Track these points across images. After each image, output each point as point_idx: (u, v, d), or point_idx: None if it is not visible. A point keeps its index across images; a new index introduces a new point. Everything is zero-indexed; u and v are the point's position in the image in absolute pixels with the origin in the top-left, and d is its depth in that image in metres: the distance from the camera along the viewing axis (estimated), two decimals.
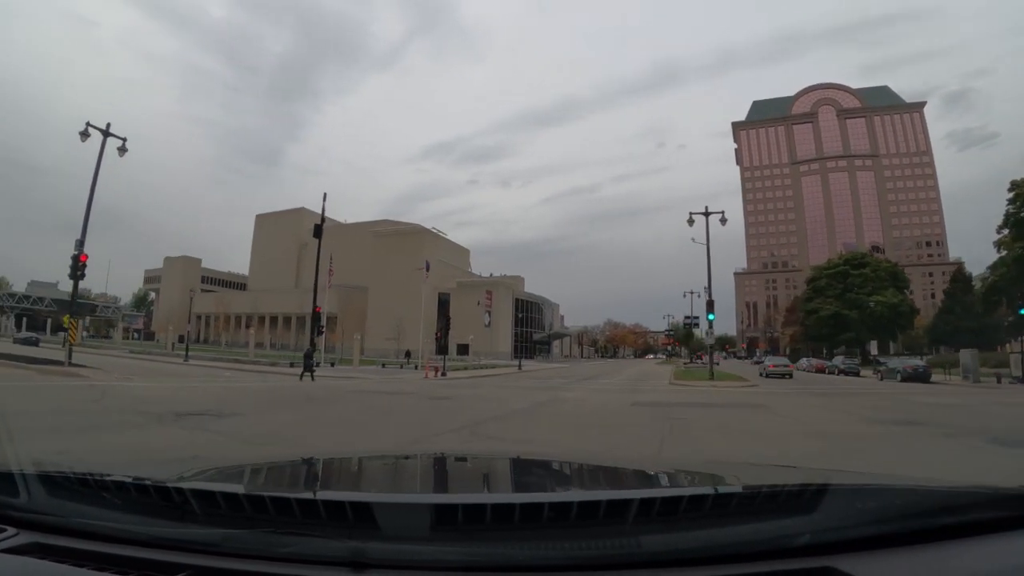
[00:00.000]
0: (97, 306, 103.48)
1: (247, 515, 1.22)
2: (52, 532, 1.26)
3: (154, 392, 15.76)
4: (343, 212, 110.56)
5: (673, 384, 27.11)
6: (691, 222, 31.96)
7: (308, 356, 28.45)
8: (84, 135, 22.61)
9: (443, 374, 34.39)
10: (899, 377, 33.30)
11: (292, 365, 38.66)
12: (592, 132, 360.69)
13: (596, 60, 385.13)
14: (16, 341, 50.58)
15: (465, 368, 44.88)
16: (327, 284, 36.69)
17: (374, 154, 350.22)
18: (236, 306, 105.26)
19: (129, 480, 1.41)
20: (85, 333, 79.58)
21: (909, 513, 1.23)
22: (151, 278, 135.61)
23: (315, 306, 34.39)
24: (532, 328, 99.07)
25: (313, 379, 25.75)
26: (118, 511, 1.32)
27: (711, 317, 30.28)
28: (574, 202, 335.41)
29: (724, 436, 9.72)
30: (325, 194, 36.31)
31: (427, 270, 46.14)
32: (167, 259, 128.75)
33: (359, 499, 1.29)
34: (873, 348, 50.07)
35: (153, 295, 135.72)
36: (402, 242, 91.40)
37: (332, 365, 43.22)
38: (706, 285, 31.95)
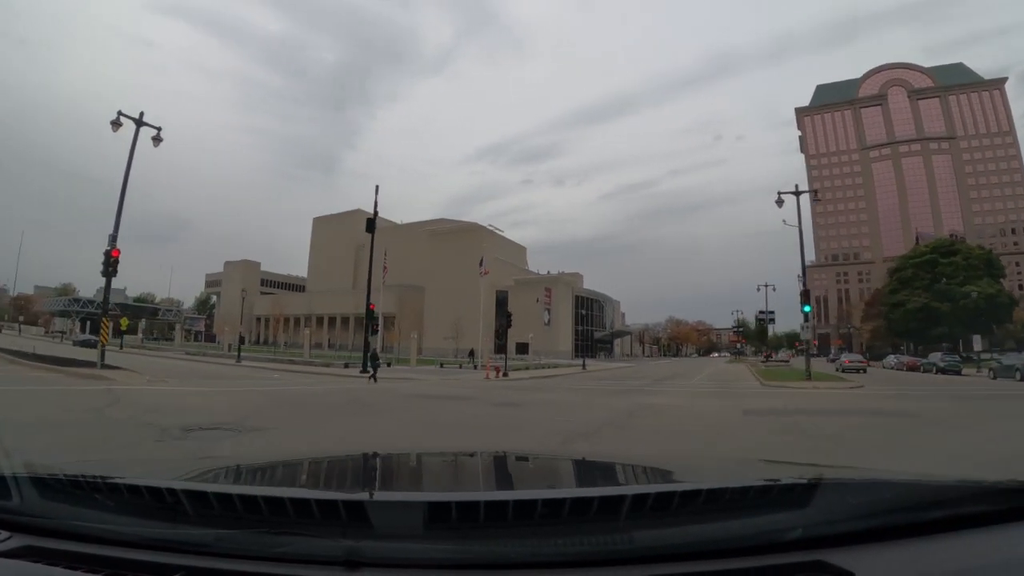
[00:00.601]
0: (159, 309, 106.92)
1: (240, 515, 1.21)
2: (45, 535, 1.26)
3: (178, 399, 13.76)
4: (398, 215, 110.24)
5: (766, 385, 24.15)
6: (780, 203, 28.82)
7: (374, 357, 27.11)
8: (116, 124, 21.07)
9: (504, 374, 32.24)
10: (1019, 376, 29.08)
11: (347, 366, 37.01)
12: (646, 127, 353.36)
13: (647, 53, 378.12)
14: (76, 344, 51.82)
15: (526, 368, 42.42)
16: (382, 282, 34.74)
17: (428, 158, 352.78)
18: (293, 307, 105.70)
19: (121, 482, 1.39)
20: (144, 336, 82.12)
21: (899, 507, 1.24)
22: (212, 282, 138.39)
23: (368, 303, 32.47)
24: (592, 326, 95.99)
25: (376, 380, 24.32)
26: (111, 513, 1.30)
27: (807, 309, 26.97)
28: (630, 198, 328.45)
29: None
30: (377, 186, 34.56)
31: (482, 265, 43.57)
32: (227, 263, 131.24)
33: (352, 498, 1.29)
34: (977, 343, 44.89)
35: (214, 298, 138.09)
36: (458, 240, 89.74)
37: (388, 365, 41.29)
38: (799, 274, 28.75)
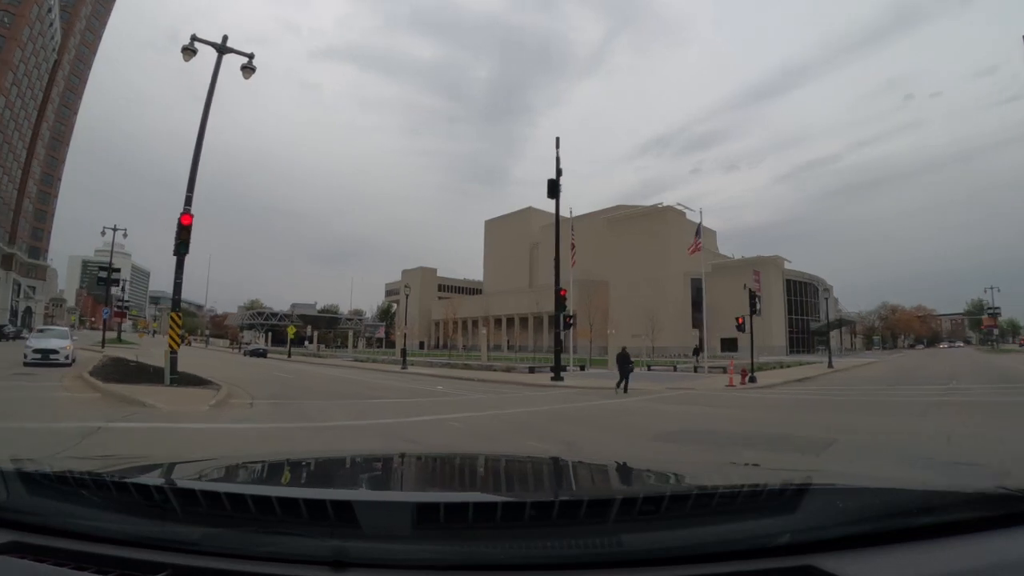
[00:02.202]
0: (340, 318, 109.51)
1: (228, 513, 1.21)
2: (32, 531, 1.25)
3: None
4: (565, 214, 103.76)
5: None
6: None
7: (624, 359, 19.31)
8: (189, 51, 15.12)
9: (751, 379, 23.99)
10: None
11: (532, 370, 29.59)
12: (821, 97, 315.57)
13: (815, 15, 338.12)
14: (247, 353, 52.58)
15: (770, 369, 32.43)
16: (571, 265, 26.77)
17: (591, 158, 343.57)
18: (469, 310, 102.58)
19: (110, 479, 1.38)
20: (325, 345, 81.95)
21: (888, 513, 1.23)
22: (391, 291, 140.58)
23: (558, 288, 24.50)
24: (806, 315, 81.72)
25: (626, 390, 18.31)
26: (99, 510, 1.30)
27: None
28: (810, 177, 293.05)
29: None
30: (558, 138, 26.22)
31: (698, 236, 34.24)
32: (405, 271, 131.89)
33: (340, 497, 1.27)
34: None
35: (394, 306, 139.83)
36: (642, 225, 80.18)
37: (582, 368, 33.20)
38: None
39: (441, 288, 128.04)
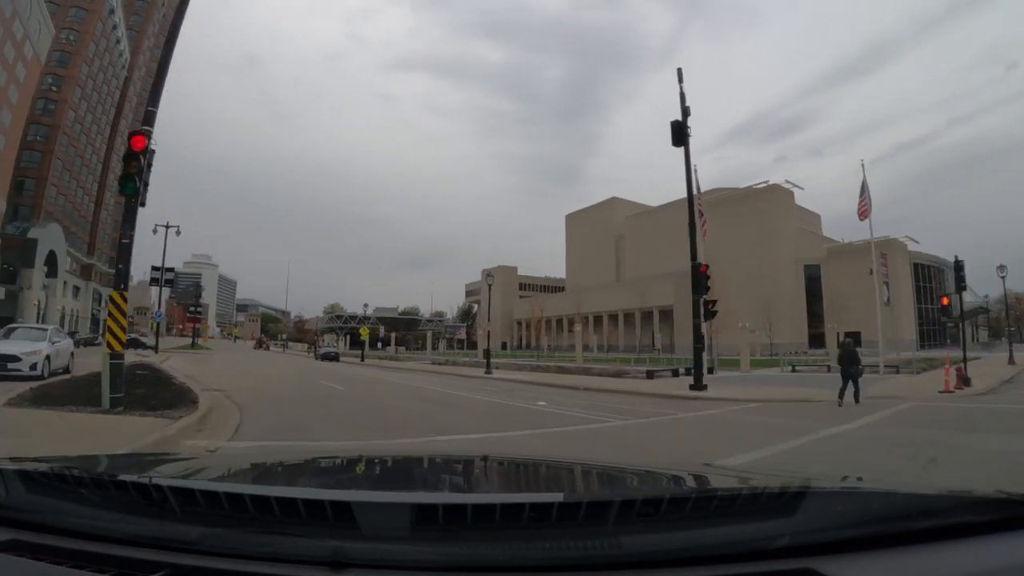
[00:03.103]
0: (421, 320, 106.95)
1: (227, 513, 1.20)
2: (30, 529, 1.24)
3: None
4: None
5: None
6: None
7: (852, 357, 13.73)
8: None
9: (966, 383, 17.86)
10: None
11: (651, 375, 23.24)
12: (913, 73, 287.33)
13: None
14: (319, 357, 49.22)
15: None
16: (701, 236, 20.11)
17: (669, 153, 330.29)
18: (554, 308, 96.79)
19: (108, 477, 1.38)
20: (404, 347, 79.56)
21: (888, 516, 1.22)
22: (471, 292, 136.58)
23: (696, 264, 18.01)
24: (933, 303, 71.11)
25: (857, 400, 13.34)
26: (97, 508, 1.29)
27: None
28: (903, 159, 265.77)
29: None
30: (680, 69, 19.72)
31: (863, 194, 26.98)
32: (484, 271, 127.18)
33: (339, 498, 1.24)
34: None
35: (475, 307, 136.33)
36: (746, 208, 71.33)
37: (711, 371, 26.47)
38: None
39: (522, 287, 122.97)
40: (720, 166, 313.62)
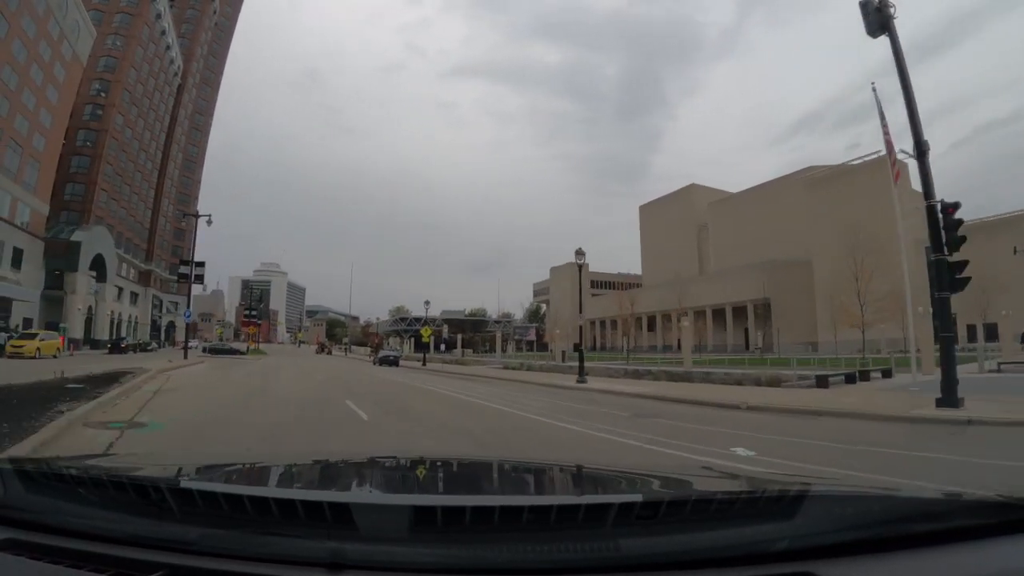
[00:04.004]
0: (487, 321, 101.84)
1: (225, 514, 1.20)
2: (28, 528, 1.25)
3: None
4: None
5: None
6: None
7: None
8: None
9: None
10: None
11: (822, 383, 16.28)
12: (1000, 43, 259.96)
13: None
14: (377, 363, 43.64)
15: None
16: (893, 180, 13.09)
17: (734, 146, 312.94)
18: (633, 304, 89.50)
19: (107, 477, 1.39)
20: (470, 349, 76.21)
21: (887, 520, 1.21)
22: (540, 291, 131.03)
23: (939, 203, 11.06)
24: None
25: None
26: (96, 508, 1.29)
27: None
28: (990, 141, 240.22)
29: None
30: None
31: None
32: (553, 269, 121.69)
33: (338, 499, 1.29)
34: None
35: (543, 307, 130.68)
36: (851, 185, 61.80)
37: (886, 375, 19.25)
38: None
39: (594, 284, 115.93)
40: (789, 159, 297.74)
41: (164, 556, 1.10)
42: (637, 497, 1.42)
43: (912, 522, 1.19)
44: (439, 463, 2.50)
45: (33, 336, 31.83)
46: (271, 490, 1.51)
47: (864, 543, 1.12)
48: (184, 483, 1.48)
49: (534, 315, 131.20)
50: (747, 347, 70.15)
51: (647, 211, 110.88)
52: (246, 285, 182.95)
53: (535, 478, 2.20)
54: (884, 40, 11.97)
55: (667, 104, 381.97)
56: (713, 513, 1.25)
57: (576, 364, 24.28)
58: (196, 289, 37.25)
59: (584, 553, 1.08)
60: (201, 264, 33.46)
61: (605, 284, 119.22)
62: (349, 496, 1.48)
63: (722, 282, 75.81)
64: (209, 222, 33.28)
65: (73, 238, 51.17)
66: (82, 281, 51.39)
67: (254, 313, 69.77)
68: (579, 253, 23.96)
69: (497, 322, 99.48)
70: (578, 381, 19.99)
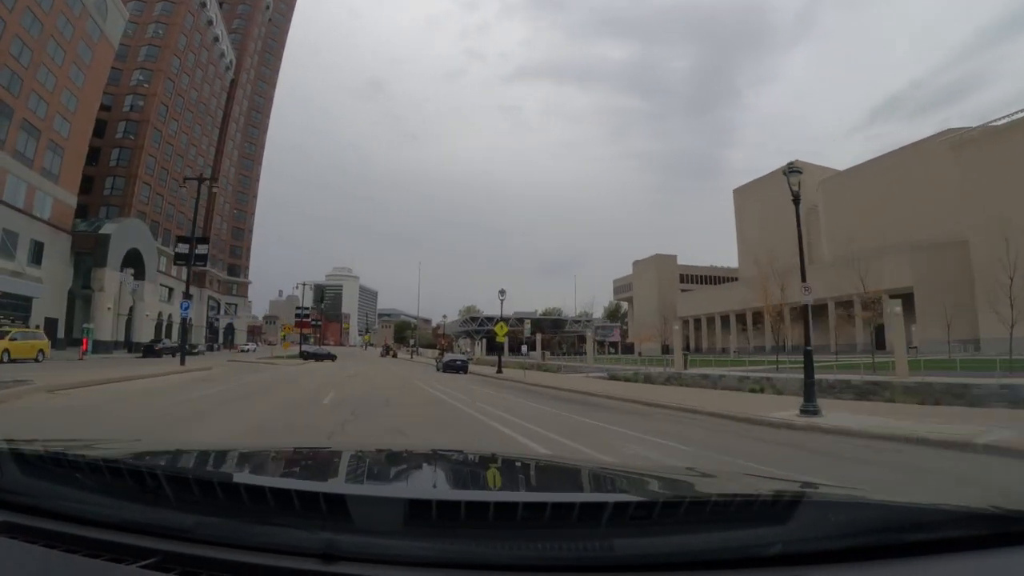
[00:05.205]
0: (565, 320, 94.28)
1: (221, 502, 1.22)
2: (23, 512, 1.26)
3: None
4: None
5: None
6: None
7: None
8: None
9: None
10: None
11: None
12: None
13: None
14: (441, 368, 36.79)
15: None
16: None
17: (811, 134, 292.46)
18: (726, 302, 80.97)
19: (103, 463, 1.38)
20: (549, 352, 70.07)
21: (881, 528, 1.21)
22: (621, 287, 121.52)
23: None
24: None
25: None
26: (91, 493, 1.30)
27: None
28: None
29: None
30: None
31: None
32: (636, 263, 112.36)
33: (333, 491, 1.29)
34: None
35: (624, 306, 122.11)
36: (1009, 148, 49.80)
37: None
38: None
39: (684, 279, 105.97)
40: (870, 146, 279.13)
41: (159, 543, 1.10)
42: (632, 497, 1.43)
43: (906, 531, 1.18)
44: (437, 457, 2.43)
45: (2, 335, 25.70)
46: (267, 479, 1.49)
47: (856, 550, 1.11)
48: (180, 471, 1.48)
49: (613, 314, 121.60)
50: (878, 346, 59.09)
51: (742, 194, 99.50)
52: (318, 289, 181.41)
53: (532, 475, 2.15)
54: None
55: (738, 95, 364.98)
56: (708, 515, 1.24)
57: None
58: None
59: (578, 551, 1.08)
60: (204, 241, 26.68)
61: (695, 279, 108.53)
62: (345, 488, 1.48)
63: (835, 272, 64.94)
64: (211, 188, 26.33)
65: (103, 231, 45.80)
66: (111, 278, 45.93)
67: (306, 311, 63.37)
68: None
69: (576, 321, 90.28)
70: (802, 411, 11.01)
